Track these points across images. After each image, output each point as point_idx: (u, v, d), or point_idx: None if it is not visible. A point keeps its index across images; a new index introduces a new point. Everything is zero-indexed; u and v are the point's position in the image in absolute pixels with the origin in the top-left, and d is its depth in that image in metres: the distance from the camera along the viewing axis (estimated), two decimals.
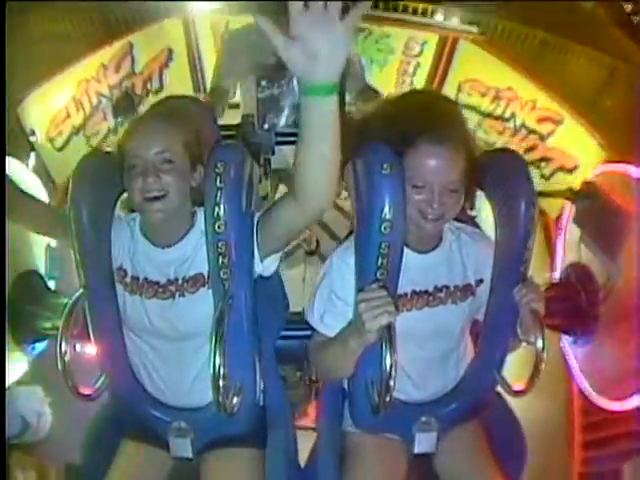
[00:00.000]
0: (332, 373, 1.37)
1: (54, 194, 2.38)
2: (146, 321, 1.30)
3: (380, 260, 1.19)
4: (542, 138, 3.08)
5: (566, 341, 2.14)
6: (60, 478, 1.97)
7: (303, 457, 1.50)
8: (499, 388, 1.43)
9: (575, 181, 2.73)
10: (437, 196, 1.18)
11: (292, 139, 1.88)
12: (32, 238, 1.96)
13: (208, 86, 3.59)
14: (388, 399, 1.17)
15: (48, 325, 1.83)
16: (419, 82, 3.47)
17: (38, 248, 1.98)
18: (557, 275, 2.19)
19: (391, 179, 1.16)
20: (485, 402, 1.45)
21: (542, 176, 3.10)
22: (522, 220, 1.29)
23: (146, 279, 1.30)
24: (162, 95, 3.43)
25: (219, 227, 1.20)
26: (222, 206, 1.18)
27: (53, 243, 2.02)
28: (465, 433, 1.42)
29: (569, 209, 2.19)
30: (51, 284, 1.98)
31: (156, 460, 1.38)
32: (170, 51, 3.48)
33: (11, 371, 1.81)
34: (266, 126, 1.79)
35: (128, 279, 1.31)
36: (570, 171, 2.91)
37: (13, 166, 1.89)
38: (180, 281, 1.29)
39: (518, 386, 1.34)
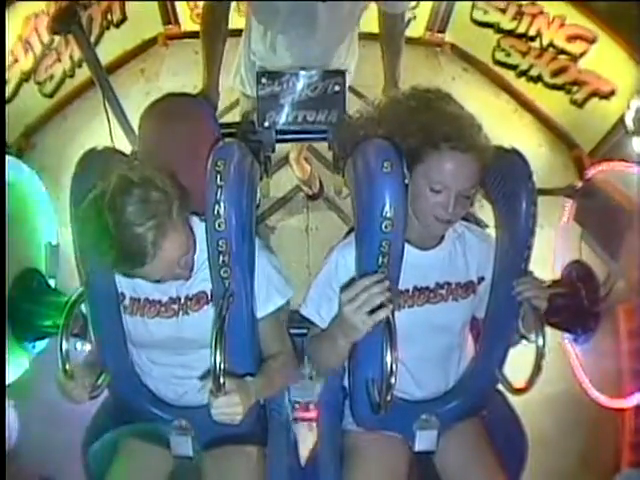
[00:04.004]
0: (324, 366, 1.39)
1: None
2: (150, 338, 1.31)
3: (381, 258, 1.19)
4: (574, 59, 2.75)
5: (567, 339, 2.14)
6: None
7: (304, 455, 1.50)
8: (500, 386, 1.43)
9: (612, 109, 2.52)
10: (453, 201, 1.19)
11: (293, 137, 1.88)
12: (32, 237, 1.95)
13: (180, 18, 3.20)
14: (389, 397, 1.16)
15: (49, 323, 1.83)
16: None
17: (38, 246, 1.97)
18: (558, 273, 2.19)
19: (392, 177, 1.16)
20: (486, 400, 1.46)
21: (574, 102, 2.82)
22: (523, 219, 1.29)
23: (147, 299, 1.30)
24: (125, 28, 3.06)
25: (219, 225, 1.19)
26: (222, 204, 1.18)
27: (53, 241, 2.02)
28: (466, 431, 1.42)
29: (570, 207, 2.18)
30: (51, 282, 1.98)
31: (157, 459, 1.39)
32: None
33: (12, 370, 1.81)
34: (266, 124, 1.78)
35: (127, 301, 1.30)
36: (606, 97, 2.65)
37: (12, 166, 1.89)
38: (183, 300, 1.29)
39: (519, 384, 1.34)
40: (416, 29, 3.25)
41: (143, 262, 1.10)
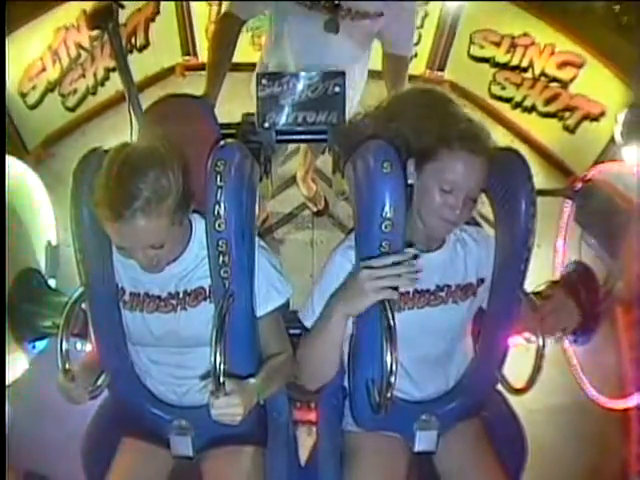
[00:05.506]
0: (316, 364, 1.32)
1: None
2: (149, 335, 1.31)
3: None
4: (564, 85, 2.92)
5: (566, 339, 2.14)
6: None
7: (304, 455, 1.50)
8: (499, 386, 1.43)
9: (602, 131, 2.64)
10: (461, 202, 1.19)
11: (293, 137, 1.88)
12: (32, 236, 1.95)
13: (198, 45, 3.33)
14: (389, 397, 1.17)
15: (48, 324, 1.82)
16: (426, 35, 3.33)
17: (38, 246, 1.97)
18: (557, 274, 2.19)
19: (391, 178, 1.17)
20: (485, 400, 1.46)
21: (566, 128, 2.96)
22: (522, 219, 1.29)
23: (147, 294, 1.30)
24: (147, 53, 3.13)
25: (219, 225, 1.20)
26: (223, 204, 1.18)
27: (53, 241, 2.02)
28: (466, 431, 1.42)
29: (569, 207, 2.18)
30: (51, 282, 1.98)
31: (157, 459, 1.39)
32: (157, 3, 3.12)
33: (11, 370, 1.81)
34: (266, 125, 1.79)
35: (127, 297, 1.31)
36: (596, 119, 2.79)
37: (13, 166, 1.89)
38: (181, 294, 1.29)
39: (519, 384, 1.34)
40: (417, 67, 3.40)
41: (116, 217, 1.11)
